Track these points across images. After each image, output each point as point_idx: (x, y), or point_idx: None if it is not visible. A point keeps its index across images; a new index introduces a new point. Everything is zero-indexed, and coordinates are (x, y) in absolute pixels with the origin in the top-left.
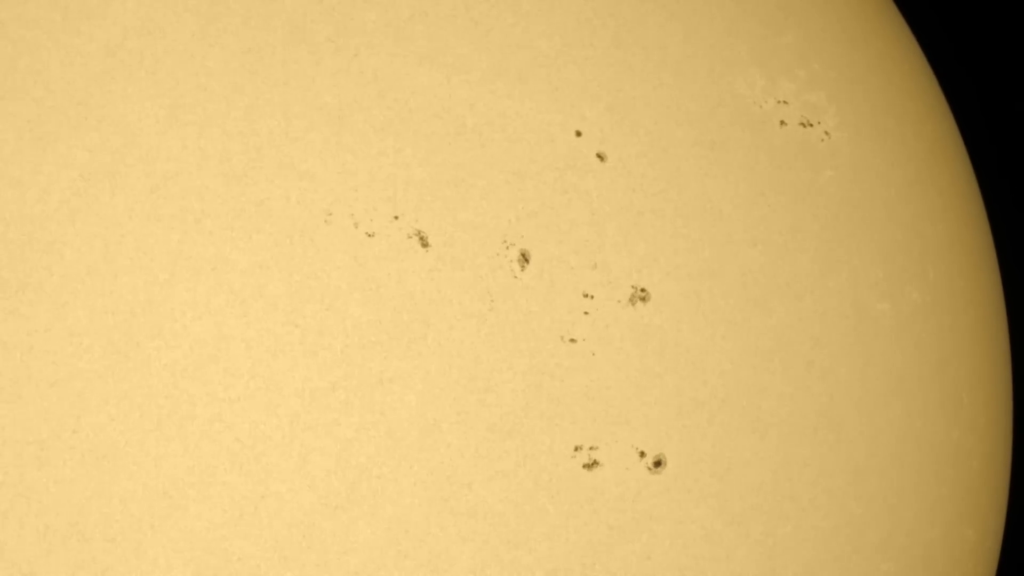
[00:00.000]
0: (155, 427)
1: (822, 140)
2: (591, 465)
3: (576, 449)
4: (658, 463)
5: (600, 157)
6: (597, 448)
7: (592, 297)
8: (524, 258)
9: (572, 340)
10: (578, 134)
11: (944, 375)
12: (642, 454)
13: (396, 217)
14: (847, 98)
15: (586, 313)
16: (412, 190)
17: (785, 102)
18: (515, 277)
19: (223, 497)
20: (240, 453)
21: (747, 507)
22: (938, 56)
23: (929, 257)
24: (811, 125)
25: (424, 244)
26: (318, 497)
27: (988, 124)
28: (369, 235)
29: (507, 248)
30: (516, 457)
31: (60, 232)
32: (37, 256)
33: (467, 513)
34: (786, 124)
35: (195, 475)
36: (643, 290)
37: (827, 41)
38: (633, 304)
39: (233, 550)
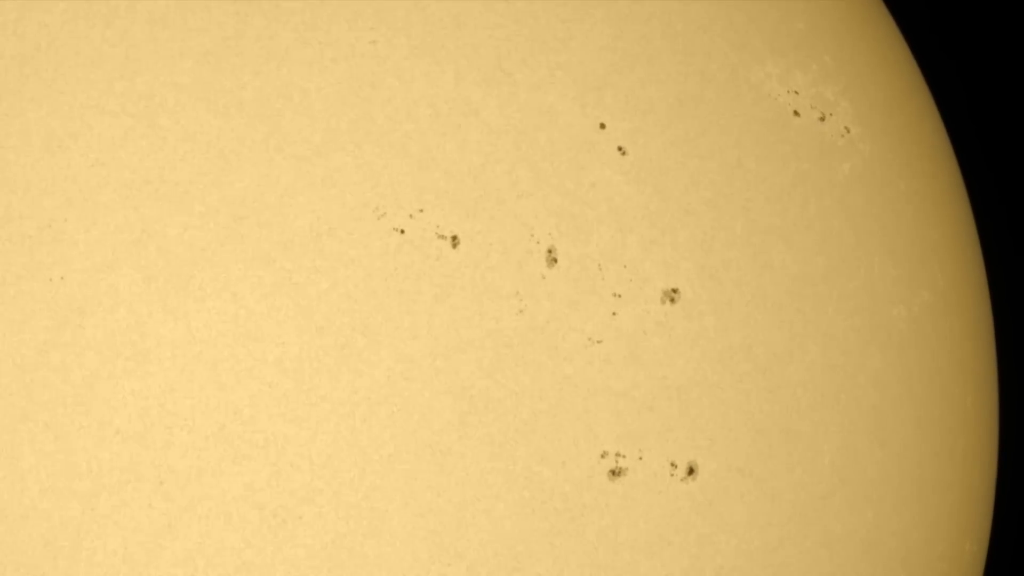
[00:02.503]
0: (169, 434)
1: (842, 136)
2: (618, 472)
3: (603, 455)
4: (691, 471)
5: (621, 150)
6: (624, 455)
7: (620, 296)
8: (552, 256)
9: (600, 341)
10: (602, 126)
11: (952, 382)
12: (673, 465)
13: (421, 210)
14: (859, 95)
15: (614, 314)
16: (437, 187)
17: (797, 92)
18: (542, 276)
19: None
20: (270, 457)
21: (773, 519)
22: (926, 57)
23: (936, 258)
24: (826, 118)
25: (455, 244)
26: (350, 499)
27: (973, 120)
28: (398, 231)
29: (536, 244)
30: (540, 462)
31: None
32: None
33: (486, 518)
34: (801, 116)
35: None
36: (674, 290)
37: (836, 37)
38: (664, 304)
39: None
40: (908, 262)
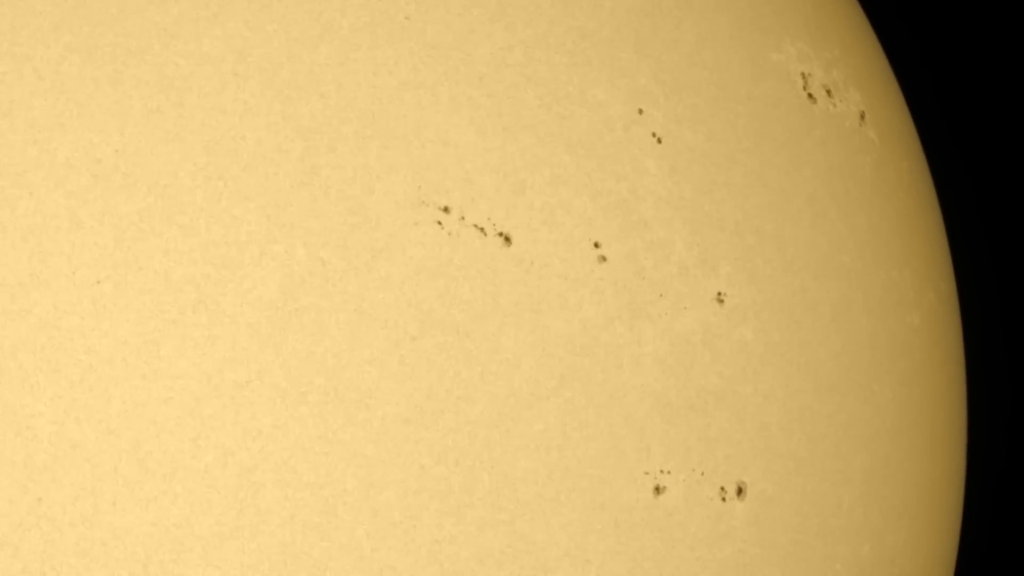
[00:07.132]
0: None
1: (860, 125)
2: (661, 490)
3: (645, 473)
4: (740, 491)
5: (657, 138)
6: (669, 472)
7: (665, 297)
8: (600, 253)
9: (646, 347)
10: (640, 112)
11: (952, 392)
12: (722, 489)
13: (473, 199)
14: (864, 84)
15: (662, 315)
16: (483, 181)
17: (808, 74)
18: (591, 271)
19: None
20: (299, 457)
21: (812, 537)
22: (898, 54)
23: (936, 263)
24: (845, 105)
25: (507, 242)
26: (379, 500)
27: (945, 118)
28: (439, 224)
29: (584, 242)
30: (581, 477)
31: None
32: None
33: (516, 529)
34: (816, 100)
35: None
36: (720, 293)
37: (843, 33)
38: (712, 307)
39: None
40: (918, 266)
